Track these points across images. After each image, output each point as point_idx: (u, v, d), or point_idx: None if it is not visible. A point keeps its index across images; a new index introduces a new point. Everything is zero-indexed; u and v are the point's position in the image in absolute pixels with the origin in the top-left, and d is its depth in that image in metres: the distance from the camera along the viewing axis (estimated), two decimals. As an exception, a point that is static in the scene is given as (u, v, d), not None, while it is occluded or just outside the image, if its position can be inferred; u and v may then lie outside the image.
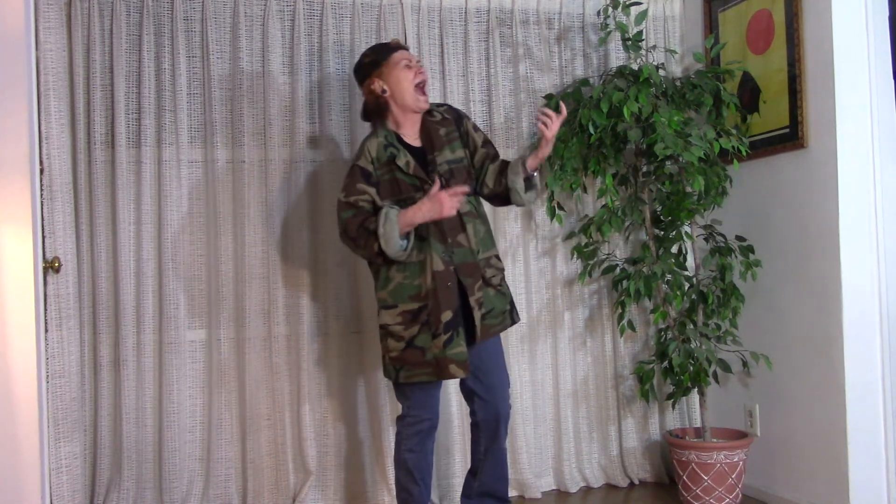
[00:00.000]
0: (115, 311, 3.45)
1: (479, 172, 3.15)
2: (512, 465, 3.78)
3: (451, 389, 3.65)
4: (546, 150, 2.99)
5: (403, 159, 2.98)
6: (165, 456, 3.46)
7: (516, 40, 3.86)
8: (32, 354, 2.47)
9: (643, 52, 3.77)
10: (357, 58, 3.62)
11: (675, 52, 3.96)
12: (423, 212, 2.87)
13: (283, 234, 3.60)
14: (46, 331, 3.13)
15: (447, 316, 2.92)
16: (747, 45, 3.68)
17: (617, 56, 3.95)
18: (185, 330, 3.51)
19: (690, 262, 3.86)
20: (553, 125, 2.95)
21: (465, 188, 2.92)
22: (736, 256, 3.64)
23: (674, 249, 3.79)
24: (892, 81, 3.30)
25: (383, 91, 3.03)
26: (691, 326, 3.62)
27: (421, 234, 2.94)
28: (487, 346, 3.04)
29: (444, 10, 3.78)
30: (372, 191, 2.96)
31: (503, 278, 3.11)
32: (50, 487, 2.92)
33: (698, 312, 3.65)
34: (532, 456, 3.80)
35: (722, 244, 3.65)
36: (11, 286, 2.44)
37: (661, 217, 3.72)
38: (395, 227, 2.85)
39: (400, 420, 3.05)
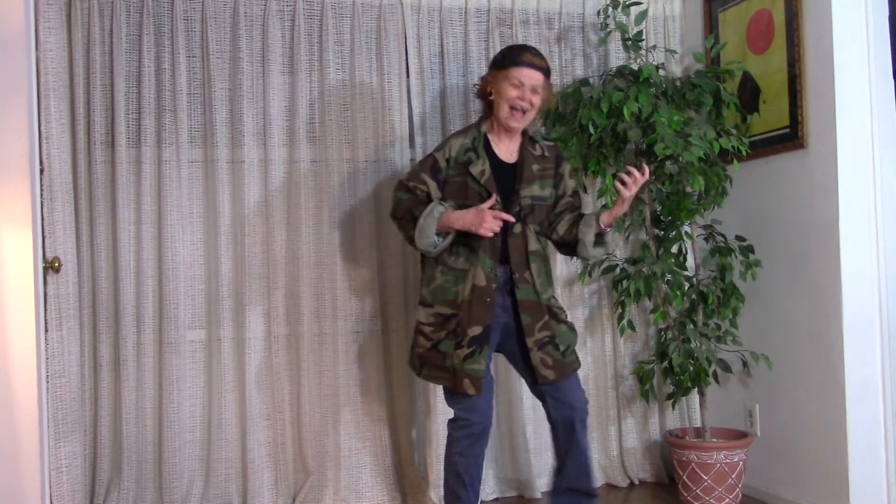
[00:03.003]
0: (115, 311, 3.45)
1: (555, 218, 3.12)
2: (512, 464, 3.78)
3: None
4: (622, 208, 2.95)
5: (479, 167, 2.95)
6: (165, 456, 3.46)
7: (516, 40, 3.85)
8: (32, 354, 2.47)
9: (643, 52, 3.77)
10: (357, 59, 3.64)
11: (675, 52, 3.96)
12: (464, 220, 2.88)
13: (283, 234, 3.60)
14: (46, 331, 3.13)
15: (475, 331, 2.91)
16: (747, 45, 3.68)
17: (617, 56, 3.95)
18: (185, 330, 3.51)
19: (690, 262, 3.86)
20: (633, 186, 2.89)
21: (511, 217, 2.89)
22: (736, 256, 3.64)
23: (674, 249, 3.79)
24: (892, 81, 3.30)
25: (489, 93, 3.02)
26: (691, 326, 3.62)
27: (471, 245, 2.93)
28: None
29: (444, 10, 3.78)
30: (433, 185, 2.97)
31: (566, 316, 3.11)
32: (50, 487, 2.92)
33: (698, 312, 3.65)
34: (532, 456, 3.80)
35: (722, 244, 3.65)
36: (11, 286, 2.44)
37: (661, 217, 3.72)
38: (434, 223, 2.88)
39: (451, 423, 3.05)
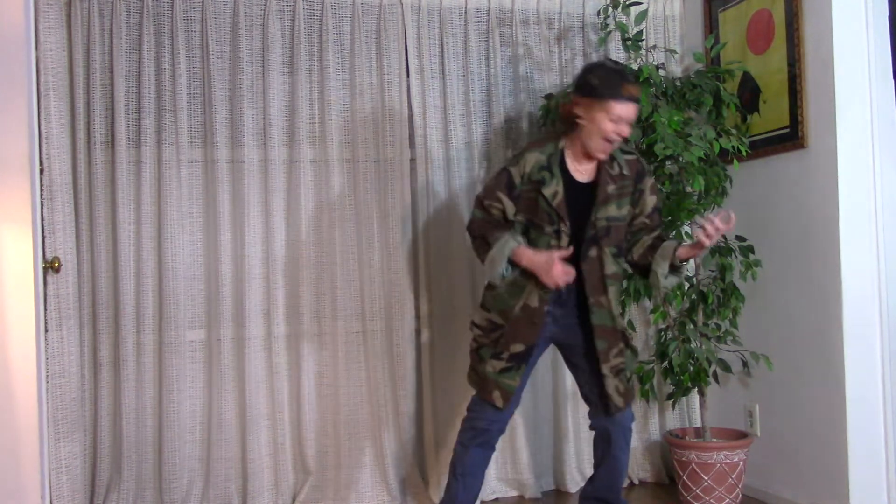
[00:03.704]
0: (115, 311, 3.45)
1: (631, 237, 2.99)
2: (512, 464, 3.78)
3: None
4: (699, 252, 2.86)
5: (552, 188, 2.82)
6: (165, 456, 3.46)
7: (516, 40, 3.86)
8: (32, 354, 2.47)
9: (643, 52, 3.77)
10: (357, 59, 3.64)
11: (675, 52, 3.96)
12: (533, 263, 2.79)
13: (283, 234, 3.60)
14: (46, 331, 3.13)
15: (517, 348, 2.89)
16: (747, 44, 3.68)
17: (617, 56, 3.95)
18: (185, 330, 3.51)
19: (690, 262, 3.86)
20: (714, 236, 2.75)
21: (572, 275, 2.77)
22: (736, 256, 3.64)
23: (674, 249, 3.78)
24: (892, 81, 3.30)
25: (579, 118, 2.81)
26: (691, 326, 3.61)
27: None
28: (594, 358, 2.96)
29: (444, 10, 3.78)
30: (508, 204, 2.88)
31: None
32: (50, 487, 2.93)
33: (698, 312, 3.65)
34: (532, 456, 3.80)
35: (722, 244, 3.65)
36: (11, 286, 2.44)
37: (661, 217, 3.72)
38: (504, 258, 2.82)
39: (468, 415, 3.03)
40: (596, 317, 2.88)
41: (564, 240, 2.83)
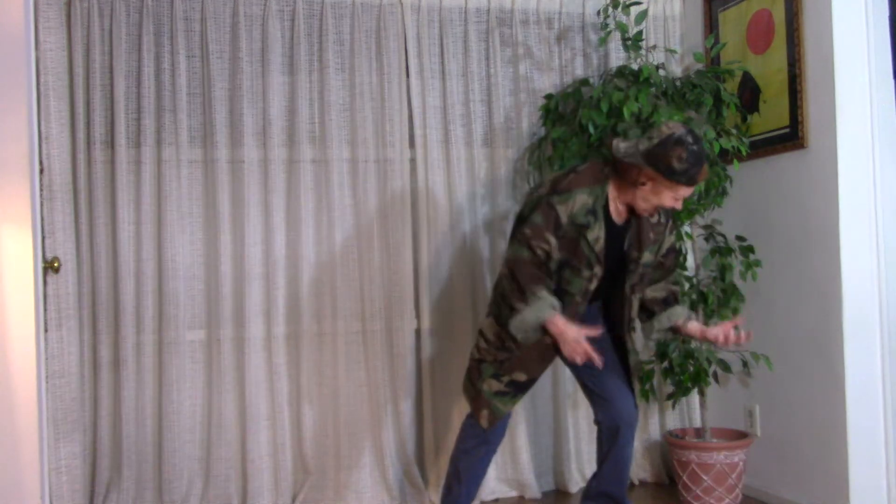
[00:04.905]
0: (115, 311, 3.45)
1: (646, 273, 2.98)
2: (512, 464, 3.78)
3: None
4: (704, 341, 2.96)
5: (595, 233, 2.77)
6: (165, 456, 3.46)
7: (516, 40, 3.86)
8: (32, 354, 2.47)
9: (643, 52, 3.76)
10: (357, 59, 3.64)
11: (675, 52, 3.96)
12: (562, 336, 2.72)
13: (283, 234, 3.59)
14: (46, 331, 3.13)
15: (520, 377, 2.89)
16: (747, 44, 3.67)
17: (617, 56, 3.95)
18: (185, 330, 3.51)
19: (690, 262, 3.86)
20: (726, 342, 2.83)
21: (600, 363, 2.75)
22: (736, 256, 3.64)
23: (674, 249, 3.79)
24: (892, 81, 3.29)
25: (642, 183, 2.71)
26: (691, 326, 3.61)
27: (560, 300, 2.80)
28: (608, 353, 2.98)
29: (444, 10, 3.78)
30: (554, 244, 2.76)
31: None
32: (49, 487, 2.92)
33: (698, 312, 3.65)
34: (532, 456, 3.80)
35: (722, 244, 3.65)
36: (11, 286, 2.44)
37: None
38: (537, 323, 2.74)
39: (467, 418, 3.03)
40: (630, 358, 2.98)
41: (595, 282, 2.82)
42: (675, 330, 2.95)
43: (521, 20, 3.87)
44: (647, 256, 2.88)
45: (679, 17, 4.08)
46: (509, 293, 2.80)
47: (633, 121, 3.49)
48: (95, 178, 3.42)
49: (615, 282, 2.90)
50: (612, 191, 2.80)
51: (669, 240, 2.96)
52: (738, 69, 3.68)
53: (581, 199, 2.75)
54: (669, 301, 2.96)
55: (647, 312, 2.99)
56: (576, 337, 2.72)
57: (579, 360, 2.74)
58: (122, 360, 3.43)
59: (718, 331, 2.83)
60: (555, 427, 3.89)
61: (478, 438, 2.98)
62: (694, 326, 2.92)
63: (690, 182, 2.67)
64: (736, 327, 2.85)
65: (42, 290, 2.62)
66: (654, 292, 2.97)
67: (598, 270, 2.81)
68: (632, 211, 2.83)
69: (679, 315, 2.93)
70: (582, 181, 2.78)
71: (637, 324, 3.01)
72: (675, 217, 3.08)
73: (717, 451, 3.48)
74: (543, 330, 2.76)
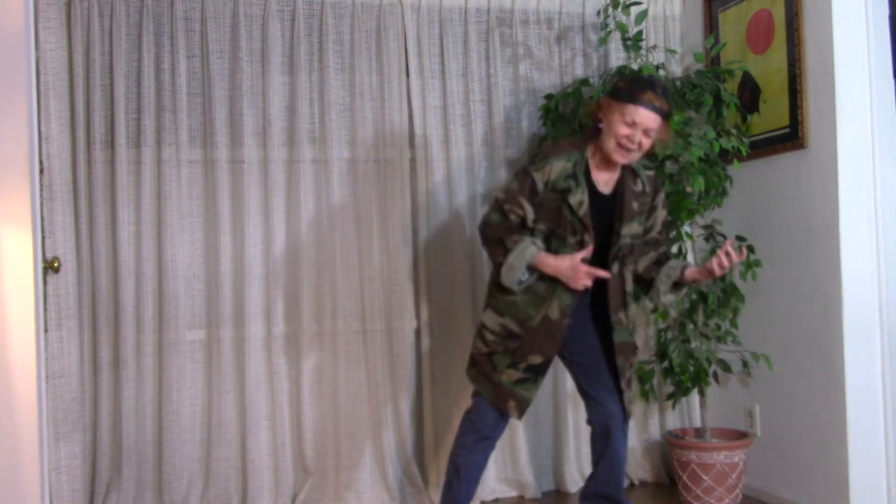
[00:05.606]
0: (115, 311, 3.45)
1: (638, 250, 2.98)
2: (512, 464, 3.78)
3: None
4: (706, 279, 2.88)
5: (577, 198, 2.78)
6: (165, 456, 3.46)
7: (516, 40, 3.86)
8: (32, 354, 2.47)
9: (643, 51, 3.76)
10: (357, 59, 3.64)
11: (675, 52, 3.97)
12: (557, 269, 2.77)
13: (283, 234, 3.60)
14: (46, 331, 3.13)
15: (536, 359, 2.88)
16: (747, 44, 3.67)
17: (617, 56, 3.95)
18: (185, 330, 3.51)
19: (691, 262, 3.86)
20: (727, 267, 2.78)
21: (607, 274, 2.78)
22: (736, 256, 3.63)
23: (674, 249, 3.79)
24: (893, 81, 3.29)
25: (600, 121, 2.78)
26: (691, 326, 3.62)
27: (553, 277, 2.82)
28: (596, 354, 2.99)
29: (444, 10, 3.78)
30: (529, 210, 2.80)
31: None
32: (49, 487, 2.92)
33: (698, 312, 3.65)
34: (532, 456, 3.80)
35: (722, 244, 3.65)
36: (11, 286, 2.44)
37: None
38: (524, 263, 2.77)
39: (466, 414, 3.02)
40: (617, 335, 2.92)
41: (584, 254, 2.80)
42: (678, 285, 2.92)
43: (521, 20, 3.87)
44: (634, 227, 2.88)
45: (679, 17, 4.08)
46: (491, 256, 2.87)
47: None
48: (95, 178, 3.42)
49: (606, 257, 2.88)
50: (591, 157, 2.84)
51: (663, 214, 2.99)
52: (738, 69, 3.68)
53: (559, 166, 2.78)
54: (661, 260, 2.96)
55: (646, 283, 2.99)
56: (571, 265, 2.75)
57: (588, 282, 2.75)
58: (122, 360, 3.44)
59: (716, 261, 2.78)
60: (555, 427, 3.90)
61: (477, 434, 2.98)
62: (691, 271, 2.88)
63: (633, 98, 2.68)
64: (728, 252, 2.78)
65: (42, 290, 2.62)
66: (647, 261, 2.97)
67: (587, 239, 2.80)
68: (620, 184, 2.86)
69: (674, 267, 2.91)
70: (558, 150, 2.84)
71: (630, 299, 2.96)
72: (668, 194, 3.05)
73: (717, 451, 3.48)
74: (532, 270, 2.79)
